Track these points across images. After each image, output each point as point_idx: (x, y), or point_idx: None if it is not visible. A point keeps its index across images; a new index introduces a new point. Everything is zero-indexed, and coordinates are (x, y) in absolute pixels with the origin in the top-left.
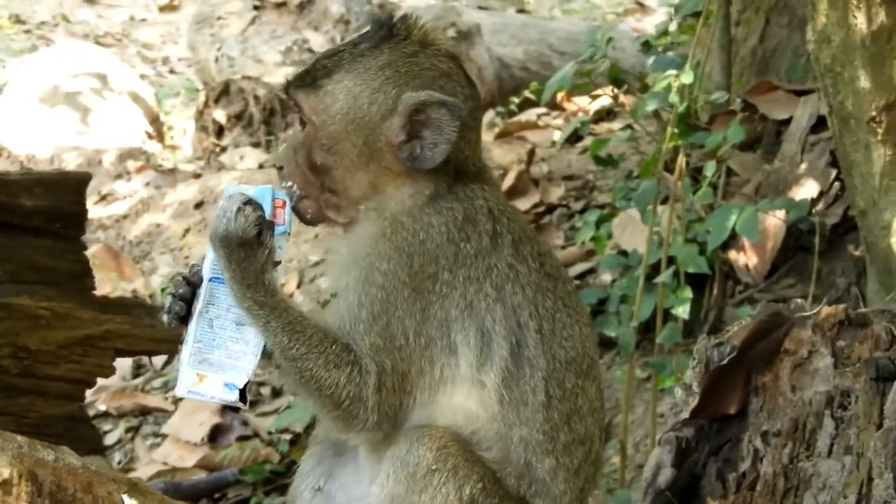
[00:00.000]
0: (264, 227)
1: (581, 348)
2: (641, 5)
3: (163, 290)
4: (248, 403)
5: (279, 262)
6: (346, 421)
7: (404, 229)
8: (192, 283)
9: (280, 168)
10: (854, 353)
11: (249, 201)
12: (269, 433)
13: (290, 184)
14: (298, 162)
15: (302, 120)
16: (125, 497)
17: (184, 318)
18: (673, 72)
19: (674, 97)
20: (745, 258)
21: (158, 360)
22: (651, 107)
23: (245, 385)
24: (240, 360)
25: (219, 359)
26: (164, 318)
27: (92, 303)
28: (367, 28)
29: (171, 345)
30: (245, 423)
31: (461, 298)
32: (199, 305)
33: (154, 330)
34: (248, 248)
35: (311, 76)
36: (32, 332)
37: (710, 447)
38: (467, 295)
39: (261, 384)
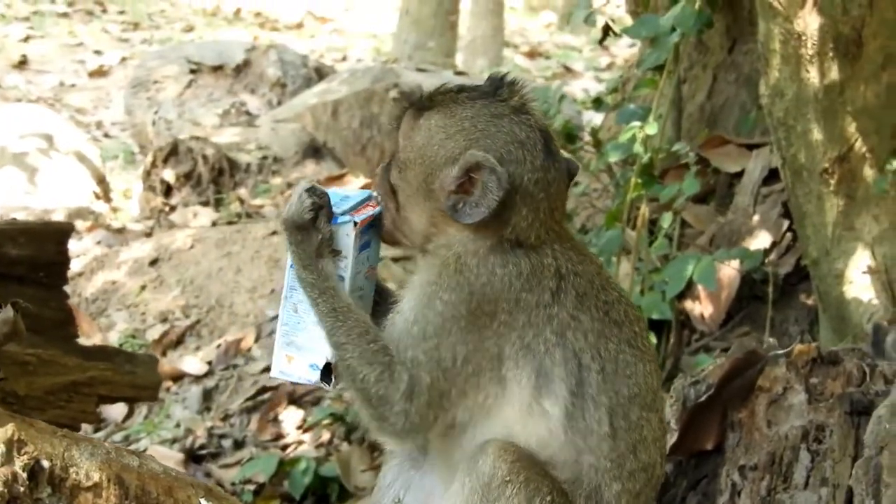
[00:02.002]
0: (320, 213)
1: (644, 384)
2: (568, 70)
3: (121, 345)
4: (332, 385)
5: (339, 252)
6: (377, 420)
7: (468, 270)
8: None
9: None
10: (827, 389)
11: (312, 189)
12: (233, 484)
13: (376, 193)
14: (386, 175)
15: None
16: (203, 501)
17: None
18: (637, 123)
19: (638, 148)
20: (701, 307)
21: (119, 413)
22: (614, 157)
23: (327, 366)
24: (321, 342)
25: (303, 342)
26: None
27: (75, 350)
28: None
29: (149, 391)
30: (208, 475)
31: (518, 340)
32: (284, 290)
33: (134, 377)
34: (305, 231)
35: (422, 103)
36: (20, 377)
37: (688, 482)
38: (525, 338)
39: (222, 436)
